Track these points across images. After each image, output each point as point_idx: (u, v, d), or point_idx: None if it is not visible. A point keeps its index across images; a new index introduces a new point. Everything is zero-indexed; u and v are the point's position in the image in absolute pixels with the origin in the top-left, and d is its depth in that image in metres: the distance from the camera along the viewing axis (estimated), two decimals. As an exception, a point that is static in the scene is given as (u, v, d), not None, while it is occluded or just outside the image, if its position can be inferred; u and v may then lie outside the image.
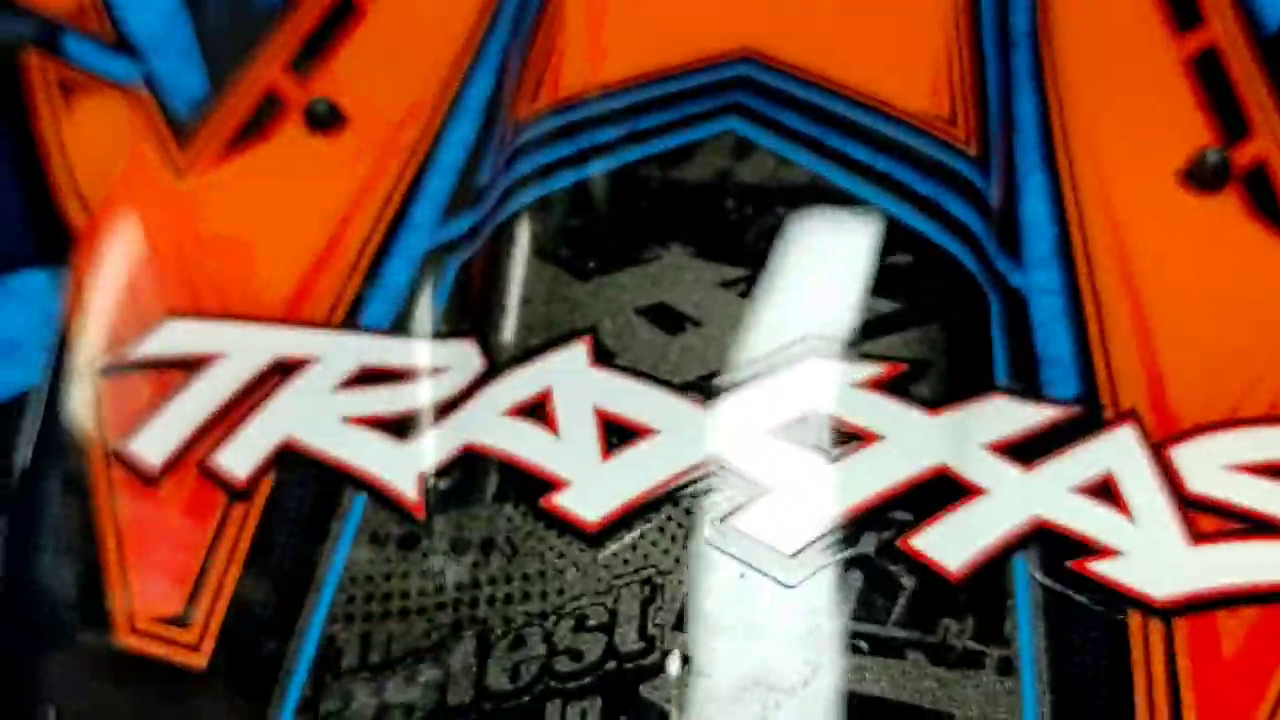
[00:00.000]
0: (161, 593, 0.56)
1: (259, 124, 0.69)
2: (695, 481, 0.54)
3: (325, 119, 0.68)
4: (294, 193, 0.65)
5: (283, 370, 0.60)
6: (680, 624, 0.51)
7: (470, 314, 0.60)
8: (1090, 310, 0.58)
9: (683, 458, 0.54)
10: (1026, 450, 0.54)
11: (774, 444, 0.54)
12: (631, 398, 0.55)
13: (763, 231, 0.59)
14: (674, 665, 0.51)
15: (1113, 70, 0.66)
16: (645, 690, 0.51)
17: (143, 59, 0.73)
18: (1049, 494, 0.53)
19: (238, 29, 0.73)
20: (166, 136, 0.69)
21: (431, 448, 0.57)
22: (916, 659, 0.50)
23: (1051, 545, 0.52)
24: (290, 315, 0.61)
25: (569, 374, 0.56)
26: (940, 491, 0.53)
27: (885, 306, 0.57)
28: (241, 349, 0.60)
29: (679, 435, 0.54)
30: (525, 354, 0.57)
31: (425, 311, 0.61)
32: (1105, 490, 0.53)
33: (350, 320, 0.61)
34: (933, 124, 0.62)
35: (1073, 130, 0.64)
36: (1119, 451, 0.54)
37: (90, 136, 0.70)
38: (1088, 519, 0.52)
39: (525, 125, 0.65)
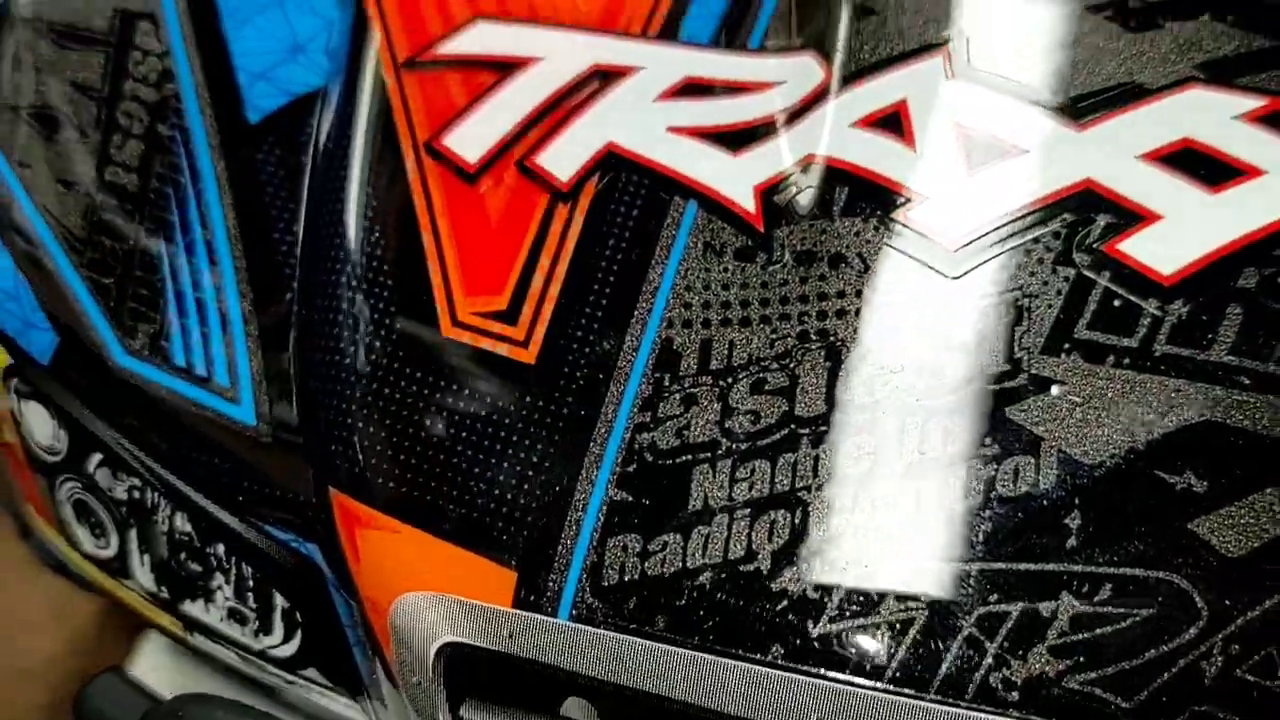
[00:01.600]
0: (485, 286, 0.54)
1: None
2: (1068, 204, 0.51)
3: None
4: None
5: (602, 77, 0.57)
6: (1049, 348, 0.49)
7: (805, 29, 0.57)
8: None
9: (1054, 178, 0.51)
10: None
11: (1151, 170, 0.51)
12: (997, 114, 0.52)
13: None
14: (1055, 389, 0.48)
15: None
16: (1012, 412, 0.48)
17: None
18: None
19: None
20: None
21: (770, 159, 0.54)
22: (1303, 398, 0.48)
23: None
24: (605, 25, 0.58)
25: (927, 86, 0.53)
26: (1327, 234, 0.50)
27: (1262, 43, 0.53)
28: (558, 53, 0.57)
29: (1050, 154, 0.51)
30: (875, 65, 0.54)
31: (751, 26, 0.57)
32: None
33: (668, 33, 0.58)
34: None
35: None
36: None
37: None
38: None
39: None
